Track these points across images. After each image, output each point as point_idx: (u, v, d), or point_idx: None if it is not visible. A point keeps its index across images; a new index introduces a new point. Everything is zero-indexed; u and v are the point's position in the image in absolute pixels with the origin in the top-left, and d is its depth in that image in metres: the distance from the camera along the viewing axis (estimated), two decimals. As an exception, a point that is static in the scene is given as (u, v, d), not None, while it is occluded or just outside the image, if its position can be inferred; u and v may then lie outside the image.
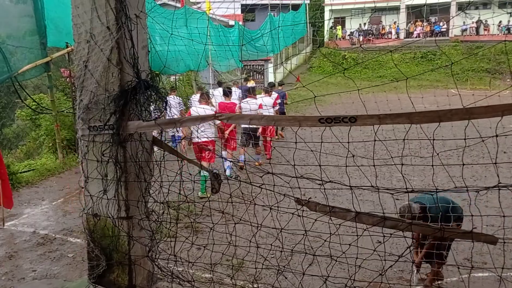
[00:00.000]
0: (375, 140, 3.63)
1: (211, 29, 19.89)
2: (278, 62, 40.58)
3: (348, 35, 49.41)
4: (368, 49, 44.94)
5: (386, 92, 22.48)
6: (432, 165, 3.52)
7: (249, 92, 13.60)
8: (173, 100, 14.79)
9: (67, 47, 13.42)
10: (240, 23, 28.35)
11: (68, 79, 15.54)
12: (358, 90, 4.23)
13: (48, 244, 7.79)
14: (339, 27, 50.16)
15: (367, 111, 4.17)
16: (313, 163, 10.51)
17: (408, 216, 4.92)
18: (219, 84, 19.91)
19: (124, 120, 3.74)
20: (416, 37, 46.68)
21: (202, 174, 10.05)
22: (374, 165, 3.46)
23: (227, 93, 12.72)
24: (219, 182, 4.02)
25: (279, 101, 15.50)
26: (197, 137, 10.22)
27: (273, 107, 13.95)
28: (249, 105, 12.52)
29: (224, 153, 11.84)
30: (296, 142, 4.32)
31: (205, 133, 10.02)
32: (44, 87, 18.50)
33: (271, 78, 34.41)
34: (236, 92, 16.88)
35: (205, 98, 10.91)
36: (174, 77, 22.88)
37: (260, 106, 12.79)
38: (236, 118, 3.92)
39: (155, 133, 4.06)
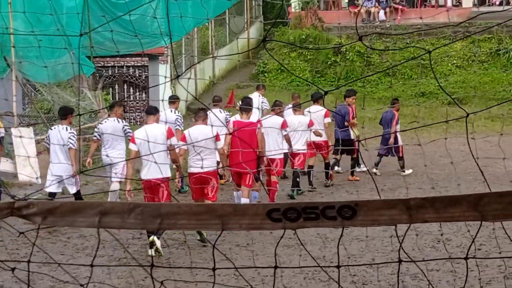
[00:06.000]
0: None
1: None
2: (182, 62, 27.62)
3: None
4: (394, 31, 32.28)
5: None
6: None
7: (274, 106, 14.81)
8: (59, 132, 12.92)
9: None
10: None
11: None
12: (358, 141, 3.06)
13: None
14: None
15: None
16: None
17: None
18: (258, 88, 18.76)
19: None
20: (499, 3, 33.45)
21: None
22: None
23: (246, 107, 13.38)
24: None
25: (328, 119, 16.28)
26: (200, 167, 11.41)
27: (309, 127, 15.23)
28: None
29: (236, 193, 13.15)
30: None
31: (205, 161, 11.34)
32: None
33: (165, 92, 20.28)
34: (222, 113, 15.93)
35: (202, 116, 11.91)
36: None
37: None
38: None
39: None
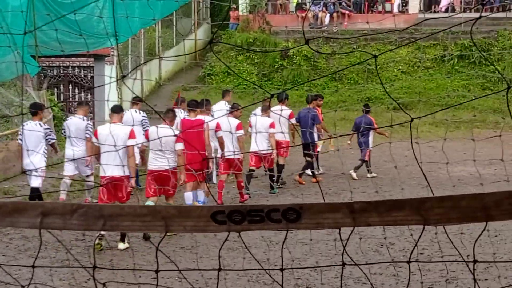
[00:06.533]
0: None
1: None
2: (129, 63, 27.69)
3: (298, 3, 35.56)
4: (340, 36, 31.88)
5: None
6: None
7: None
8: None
9: None
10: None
11: None
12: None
13: None
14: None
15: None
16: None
17: None
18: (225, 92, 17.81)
19: None
20: (445, 10, 33.66)
21: None
22: None
23: (193, 105, 13.50)
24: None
25: (293, 120, 16.15)
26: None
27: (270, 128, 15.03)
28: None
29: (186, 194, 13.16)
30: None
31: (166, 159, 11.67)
32: None
33: (110, 93, 22.12)
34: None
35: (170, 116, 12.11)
36: None
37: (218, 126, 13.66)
38: None
39: None
